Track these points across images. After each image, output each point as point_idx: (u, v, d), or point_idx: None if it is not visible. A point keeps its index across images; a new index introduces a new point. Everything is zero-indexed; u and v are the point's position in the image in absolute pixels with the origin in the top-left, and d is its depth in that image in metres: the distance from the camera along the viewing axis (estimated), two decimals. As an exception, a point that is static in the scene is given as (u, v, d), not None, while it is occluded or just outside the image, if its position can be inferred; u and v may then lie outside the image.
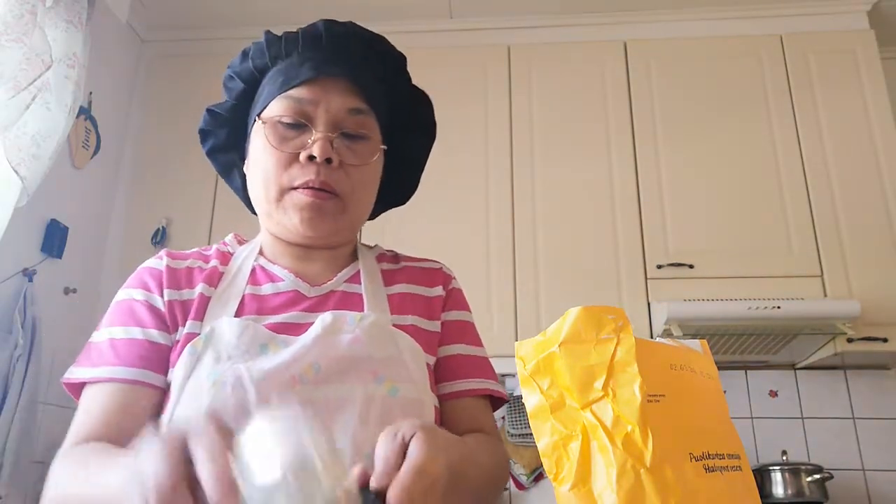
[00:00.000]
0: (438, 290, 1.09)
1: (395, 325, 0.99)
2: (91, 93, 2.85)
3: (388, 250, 1.17)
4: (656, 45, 3.13)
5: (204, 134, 1.14)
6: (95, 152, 2.87)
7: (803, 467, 2.68)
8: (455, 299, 1.11)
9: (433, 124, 1.14)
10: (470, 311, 1.13)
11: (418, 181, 1.20)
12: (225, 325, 0.93)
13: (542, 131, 3.02)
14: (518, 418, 2.93)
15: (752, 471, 0.56)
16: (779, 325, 2.60)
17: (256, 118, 1.02)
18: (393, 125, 1.09)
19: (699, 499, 0.49)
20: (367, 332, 0.95)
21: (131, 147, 3.14)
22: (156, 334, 0.95)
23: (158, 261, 1.03)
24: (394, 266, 1.12)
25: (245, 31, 3.30)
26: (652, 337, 2.41)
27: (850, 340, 2.62)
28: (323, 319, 0.94)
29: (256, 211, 1.06)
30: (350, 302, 1.01)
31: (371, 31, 1.07)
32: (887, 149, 2.85)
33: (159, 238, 2.93)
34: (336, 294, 1.02)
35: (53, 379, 2.64)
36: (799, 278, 2.72)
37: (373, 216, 1.16)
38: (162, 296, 0.98)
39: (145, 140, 3.15)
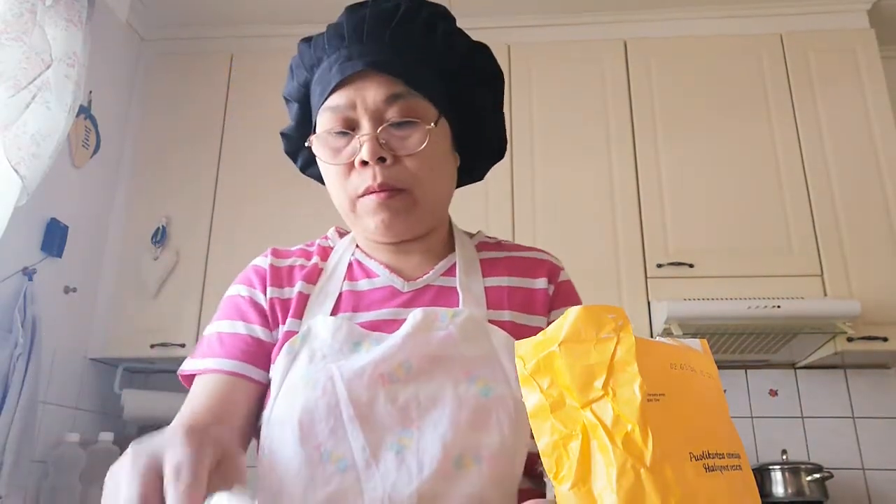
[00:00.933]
0: (542, 283, 1.04)
1: (491, 321, 0.95)
2: (91, 92, 2.85)
3: (490, 237, 1.14)
4: (656, 44, 3.13)
5: (289, 155, 1.11)
6: (95, 152, 2.87)
7: (803, 467, 2.68)
8: (564, 294, 1.06)
9: (493, 73, 1.07)
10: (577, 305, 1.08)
11: (503, 130, 1.12)
12: (320, 324, 0.93)
13: (542, 130, 3.02)
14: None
15: (752, 470, 0.56)
16: (779, 325, 2.60)
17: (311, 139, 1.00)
18: (458, 80, 1.02)
19: (699, 498, 0.49)
20: (460, 328, 0.92)
21: (131, 146, 3.14)
22: (258, 330, 0.97)
23: (264, 259, 1.05)
24: (495, 255, 1.08)
25: (245, 30, 3.31)
26: (652, 336, 2.41)
27: (850, 340, 2.62)
28: (414, 316, 0.92)
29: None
30: (446, 296, 0.99)
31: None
32: (887, 149, 2.85)
33: (159, 237, 2.93)
34: (432, 288, 1.00)
35: (53, 378, 2.64)
36: (799, 278, 2.72)
37: (479, 177, 1.18)
38: (265, 293, 1.00)
39: (145, 139, 3.15)
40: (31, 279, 2.45)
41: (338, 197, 0.98)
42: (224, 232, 2.94)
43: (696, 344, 0.61)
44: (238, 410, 0.93)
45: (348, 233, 1.10)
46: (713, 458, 0.51)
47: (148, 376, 3.14)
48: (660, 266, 2.76)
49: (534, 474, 0.90)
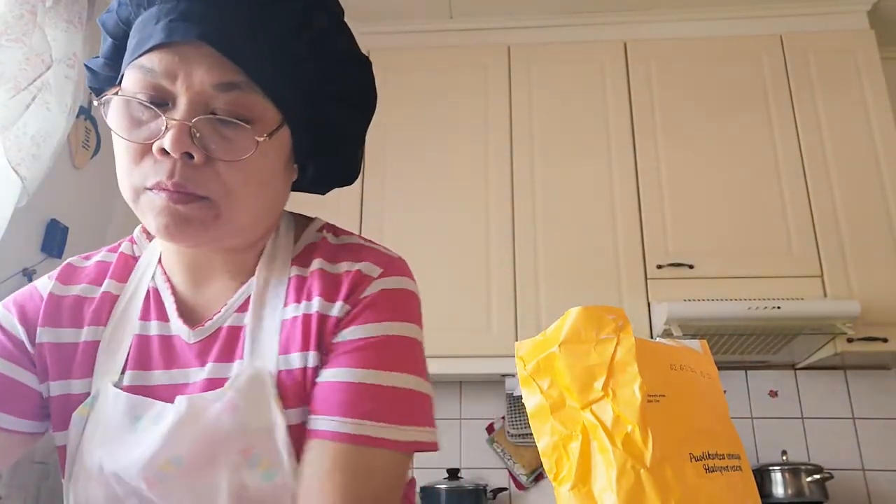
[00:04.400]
0: (336, 309, 0.81)
1: (283, 371, 0.78)
2: (91, 93, 2.85)
3: (325, 230, 0.91)
4: (656, 45, 3.13)
5: (95, 91, 0.89)
6: (95, 152, 2.88)
7: (803, 467, 2.68)
8: (364, 312, 0.81)
9: (366, 94, 0.88)
10: (391, 322, 0.81)
11: (358, 160, 0.91)
12: (105, 393, 0.79)
13: (542, 131, 3.02)
14: (518, 418, 2.93)
15: (752, 471, 0.56)
16: (779, 325, 2.60)
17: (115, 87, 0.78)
18: (321, 90, 0.84)
19: (699, 499, 0.49)
20: (241, 395, 0.76)
21: (131, 147, 3.14)
22: (8, 367, 0.82)
23: (46, 282, 0.88)
24: (302, 272, 0.85)
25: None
26: (652, 337, 2.41)
27: (850, 340, 2.62)
28: (177, 410, 0.76)
29: None
30: (236, 343, 0.81)
31: None
32: (887, 149, 2.85)
33: (159, 238, 2.93)
34: (222, 332, 0.82)
35: (53, 379, 2.64)
36: (799, 278, 2.72)
37: (320, 192, 0.94)
38: (32, 336, 0.83)
39: (145, 140, 3.15)
40: (31, 280, 2.45)
41: (121, 181, 0.79)
42: (224, 233, 2.93)
43: (696, 345, 0.61)
44: None
45: None
46: (713, 458, 0.51)
47: (148, 377, 3.14)
48: (660, 267, 2.76)
49: None
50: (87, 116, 2.83)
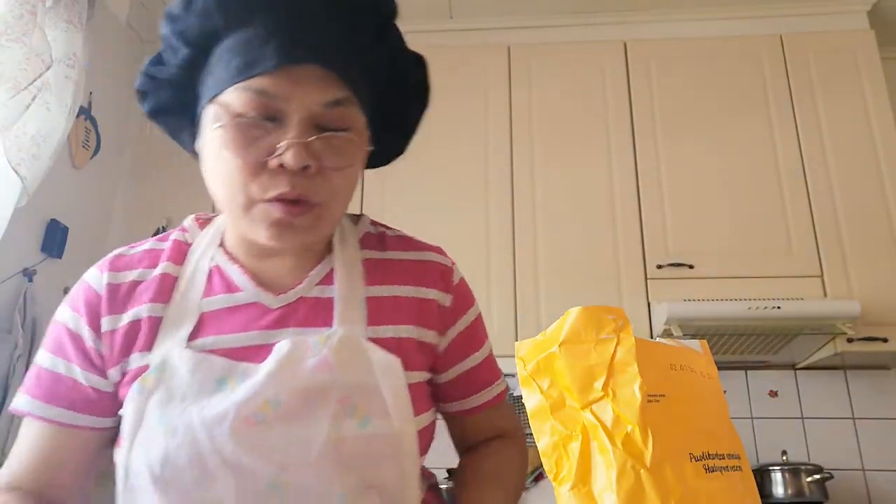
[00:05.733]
0: (433, 293, 0.93)
1: (372, 339, 0.85)
2: (91, 93, 2.85)
3: (374, 225, 1.01)
4: (656, 45, 3.13)
5: (142, 94, 0.92)
6: (95, 152, 2.87)
7: (803, 467, 2.68)
8: (460, 302, 0.97)
9: (427, 88, 0.95)
10: (474, 304, 1.00)
11: (405, 147, 1.00)
12: (177, 358, 0.82)
13: (541, 131, 3.02)
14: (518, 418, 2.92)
15: (752, 471, 0.56)
16: (779, 325, 2.60)
17: (209, 104, 0.83)
18: (392, 91, 0.92)
19: (699, 499, 0.49)
20: (335, 352, 0.82)
21: (131, 147, 3.14)
22: (79, 373, 0.85)
23: (99, 276, 0.90)
24: (378, 256, 0.95)
25: (245, 31, 3.31)
26: (652, 337, 2.41)
27: (850, 340, 2.61)
28: (279, 349, 0.82)
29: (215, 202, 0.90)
30: (320, 311, 0.87)
31: None
32: (887, 149, 2.85)
33: (159, 238, 2.93)
34: (305, 302, 0.88)
35: (53, 379, 2.64)
36: (799, 278, 2.72)
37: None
38: (98, 327, 0.86)
39: (145, 140, 3.15)
40: (31, 280, 2.45)
41: (229, 192, 0.82)
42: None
43: (696, 345, 0.61)
44: (67, 464, 0.86)
45: (209, 220, 0.98)
46: (713, 458, 0.51)
47: (148, 377, 3.14)
48: (660, 267, 2.76)
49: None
50: (87, 116, 2.83)
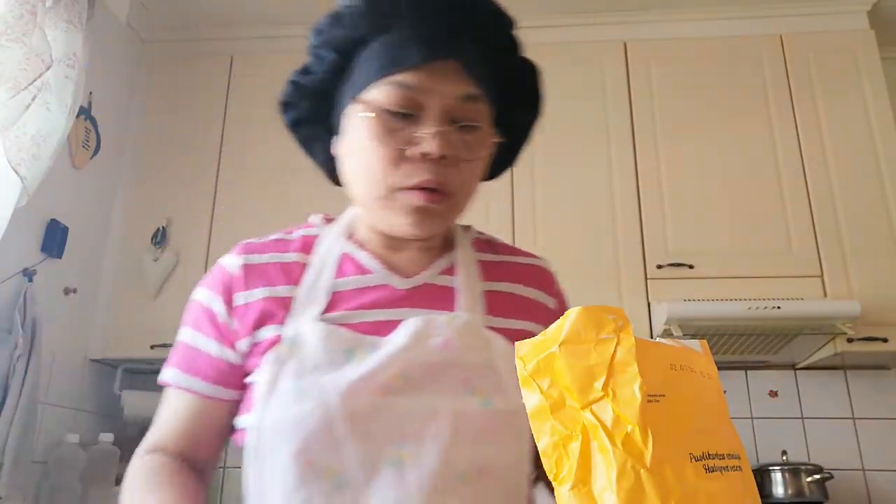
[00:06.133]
0: (542, 295, 1.01)
1: (490, 327, 0.91)
2: (91, 93, 2.85)
3: (482, 234, 1.08)
4: (656, 45, 3.13)
5: (285, 105, 1.01)
6: (95, 152, 2.88)
7: (803, 467, 2.68)
8: (563, 307, 1.02)
9: (541, 98, 1.02)
10: None
11: (517, 157, 1.06)
12: (309, 330, 0.87)
13: (541, 131, 3.00)
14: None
15: (753, 471, 0.56)
16: (779, 325, 2.60)
17: (353, 100, 0.91)
18: (509, 96, 0.98)
19: (699, 499, 0.49)
20: (458, 334, 0.87)
21: (131, 147, 3.14)
22: (215, 347, 0.92)
23: (233, 259, 0.96)
24: (492, 258, 1.02)
25: (245, 32, 3.31)
26: (652, 337, 2.41)
27: (850, 340, 2.61)
28: (412, 324, 0.87)
29: (353, 198, 0.97)
30: (443, 297, 0.94)
31: None
32: (887, 149, 2.85)
33: (159, 238, 2.93)
34: (429, 287, 0.95)
35: (53, 379, 2.64)
36: (799, 278, 2.72)
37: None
38: (230, 303, 0.92)
39: (145, 140, 3.15)
40: (31, 280, 2.45)
41: (370, 181, 0.90)
42: (224, 232, 2.94)
43: (696, 345, 0.61)
44: (209, 431, 0.93)
45: (334, 219, 1.03)
46: (713, 458, 0.51)
47: (148, 377, 3.13)
48: (660, 267, 2.76)
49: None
50: (87, 116, 2.83)
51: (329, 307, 0.90)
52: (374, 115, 0.87)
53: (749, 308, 2.57)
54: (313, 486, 0.80)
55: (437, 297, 0.94)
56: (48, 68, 2.37)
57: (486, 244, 1.05)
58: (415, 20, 0.89)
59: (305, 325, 0.87)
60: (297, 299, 0.91)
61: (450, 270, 0.97)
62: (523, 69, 0.99)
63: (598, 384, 0.53)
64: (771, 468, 2.70)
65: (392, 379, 0.83)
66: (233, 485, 3.00)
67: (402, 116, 0.87)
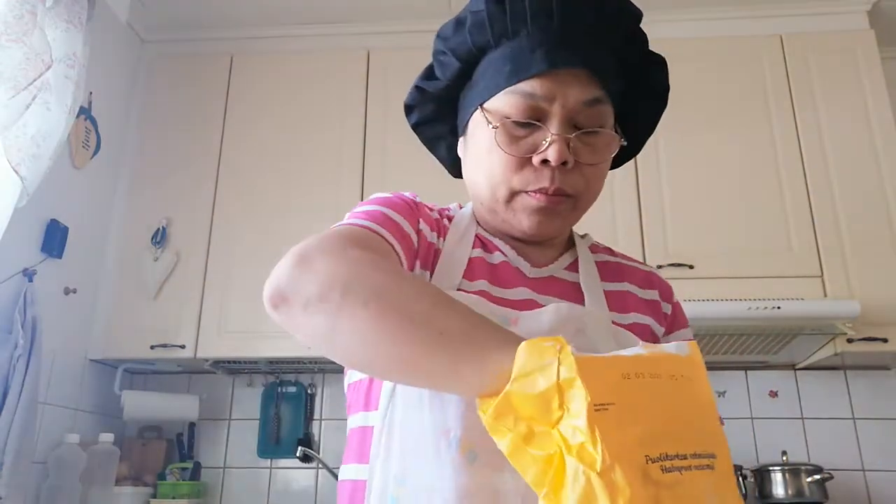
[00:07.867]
0: (657, 296, 1.02)
1: (614, 323, 0.92)
2: (91, 93, 2.86)
3: (597, 242, 1.10)
4: (656, 45, 3.07)
5: (409, 108, 1.05)
6: (95, 152, 2.89)
7: (803, 467, 2.68)
8: (680, 317, 1.04)
9: (667, 89, 1.03)
10: (689, 326, 1.06)
11: (642, 145, 1.07)
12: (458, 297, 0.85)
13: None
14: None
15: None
16: (779, 326, 2.60)
17: (479, 108, 0.93)
18: (634, 90, 0.99)
19: (662, 498, 0.51)
20: (594, 327, 0.88)
21: (131, 147, 3.16)
22: (407, 225, 0.90)
23: (411, 196, 0.98)
24: (609, 259, 1.05)
25: (245, 32, 3.31)
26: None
27: (850, 340, 2.61)
28: (558, 308, 0.86)
29: (475, 199, 0.99)
30: (568, 291, 0.95)
31: None
32: (887, 149, 2.85)
33: (159, 238, 2.94)
34: (557, 280, 0.96)
35: (53, 379, 2.65)
36: (799, 278, 2.72)
37: None
38: (416, 223, 0.93)
39: (145, 140, 3.16)
40: (31, 280, 2.46)
41: (492, 185, 0.91)
42: (224, 232, 2.94)
43: (683, 347, 0.62)
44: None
45: (462, 206, 1.05)
46: (672, 459, 0.53)
47: (148, 377, 3.15)
48: (660, 267, 2.76)
49: None
50: (87, 116, 2.84)
51: (469, 272, 0.92)
52: (498, 124, 0.89)
53: (749, 308, 2.57)
54: (445, 455, 0.77)
55: (564, 290, 0.95)
56: (48, 68, 2.38)
57: (603, 249, 1.07)
58: (540, 26, 0.90)
59: (449, 292, 0.82)
60: (442, 255, 0.93)
61: (573, 267, 1.00)
62: (649, 62, 1.01)
63: (555, 404, 0.55)
64: (771, 468, 2.70)
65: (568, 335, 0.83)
66: (233, 485, 3.01)
67: (527, 124, 0.89)
